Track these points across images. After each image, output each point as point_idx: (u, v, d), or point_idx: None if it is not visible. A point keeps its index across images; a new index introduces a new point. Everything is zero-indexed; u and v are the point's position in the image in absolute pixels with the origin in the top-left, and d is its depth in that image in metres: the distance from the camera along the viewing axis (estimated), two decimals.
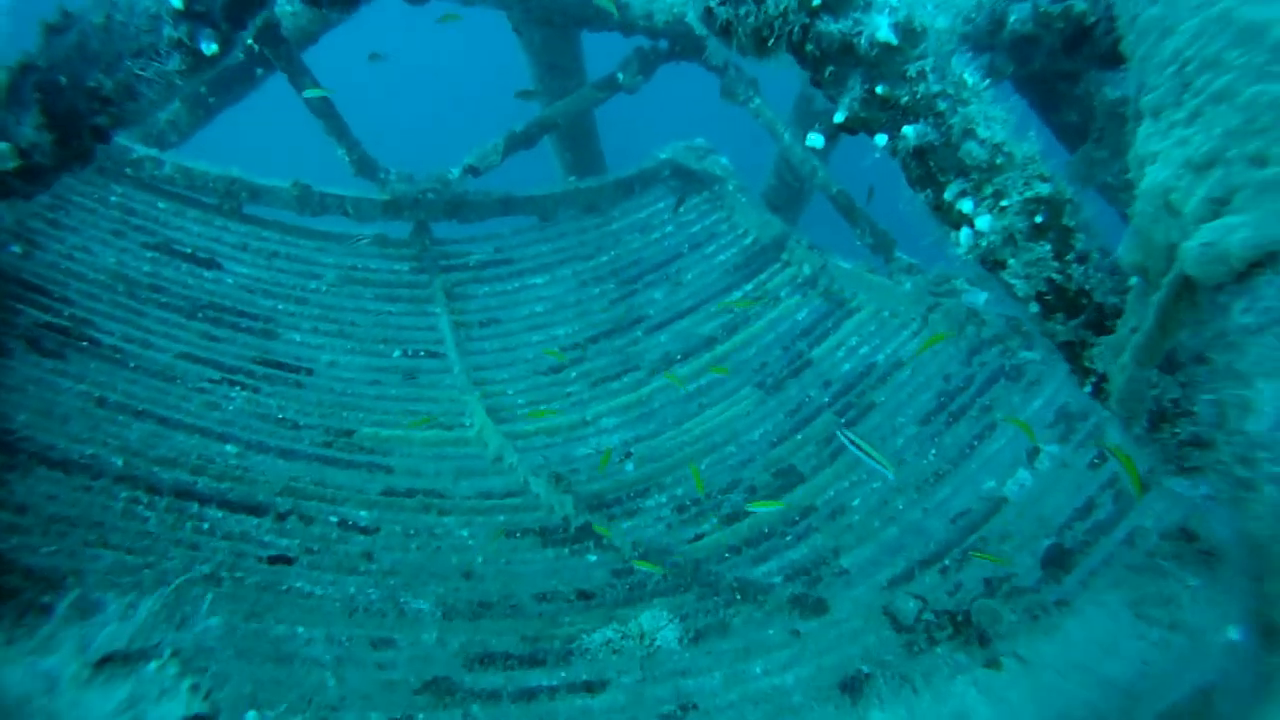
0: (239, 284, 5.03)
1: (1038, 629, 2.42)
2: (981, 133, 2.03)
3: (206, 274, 4.98)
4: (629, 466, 4.88)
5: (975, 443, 4.76)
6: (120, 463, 3.58)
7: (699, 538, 4.48)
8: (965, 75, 2.06)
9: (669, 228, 6.08)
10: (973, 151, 2.02)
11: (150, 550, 3.09)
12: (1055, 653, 2.23)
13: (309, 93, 4.93)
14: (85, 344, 4.24)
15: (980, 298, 5.68)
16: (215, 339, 4.67)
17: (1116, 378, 1.81)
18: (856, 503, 4.63)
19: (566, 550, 4.29)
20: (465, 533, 4.18)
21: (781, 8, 1.98)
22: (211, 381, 4.41)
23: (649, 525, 4.55)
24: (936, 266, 5.85)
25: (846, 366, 5.50)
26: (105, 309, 4.49)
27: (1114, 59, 3.96)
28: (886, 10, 1.98)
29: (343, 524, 3.90)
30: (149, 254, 4.89)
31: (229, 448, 4.07)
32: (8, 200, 2.45)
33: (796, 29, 2.02)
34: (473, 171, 5.62)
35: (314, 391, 4.69)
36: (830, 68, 2.05)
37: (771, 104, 6.06)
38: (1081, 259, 2.05)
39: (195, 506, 3.53)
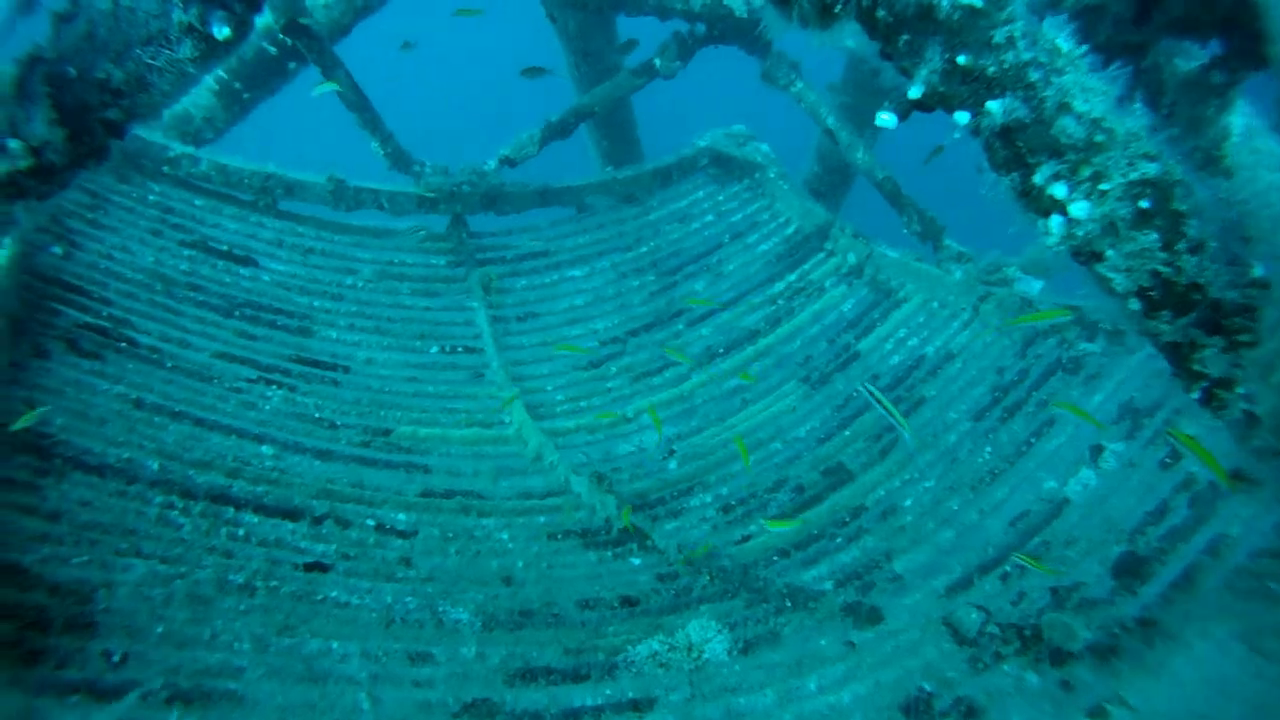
0: (275, 281, 4.89)
1: (1142, 668, 2.15)
2: (1079, 107, 1.74)
3: (243, 271, 4.84)
4: (671, 465, 4.66)
5: (1033, 439, 4.44)
6: (156, 466, 3.45)
7: (745, 539, 4.24)
8: (1059, 41, 1.78)
9: (709, 217, 5.81)
10: (1068, 128, 1.74)
11: (183, 559, 2.94)
12: (1166, 697, 1.95)
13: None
14: (123, 344, 4.11)
15: (1034, 287, 5.33)
16: (252, 337, 4.53)
17: (1267, 399, 1.53)
18: (908, 503, 4.35)
19: (609, 553, 4.08)
20: (505, 535, 4.00)
21: None
22: (248, 381, 4.27)
23: (693, 526, 4.32)
24: (988, 254, 5.51)
25: (895, 359, 5.20)
26: (143, 308, 4.36)
27: (1189, 27, 3.58)
28: None
29: (380, 527, 3.73)
30: (187, 252, 4.76)
31: (265, 449, 3.92)
32: (23, 201, 2.28)
33: None
34: (509, 163, 5.41)
35: (351, 389, 4.53)
36: (905, 36, 1.78)
37: (813, 87, 5.74)
38: (1195, 249, 1.76)
39: (230, 511, 3.38)
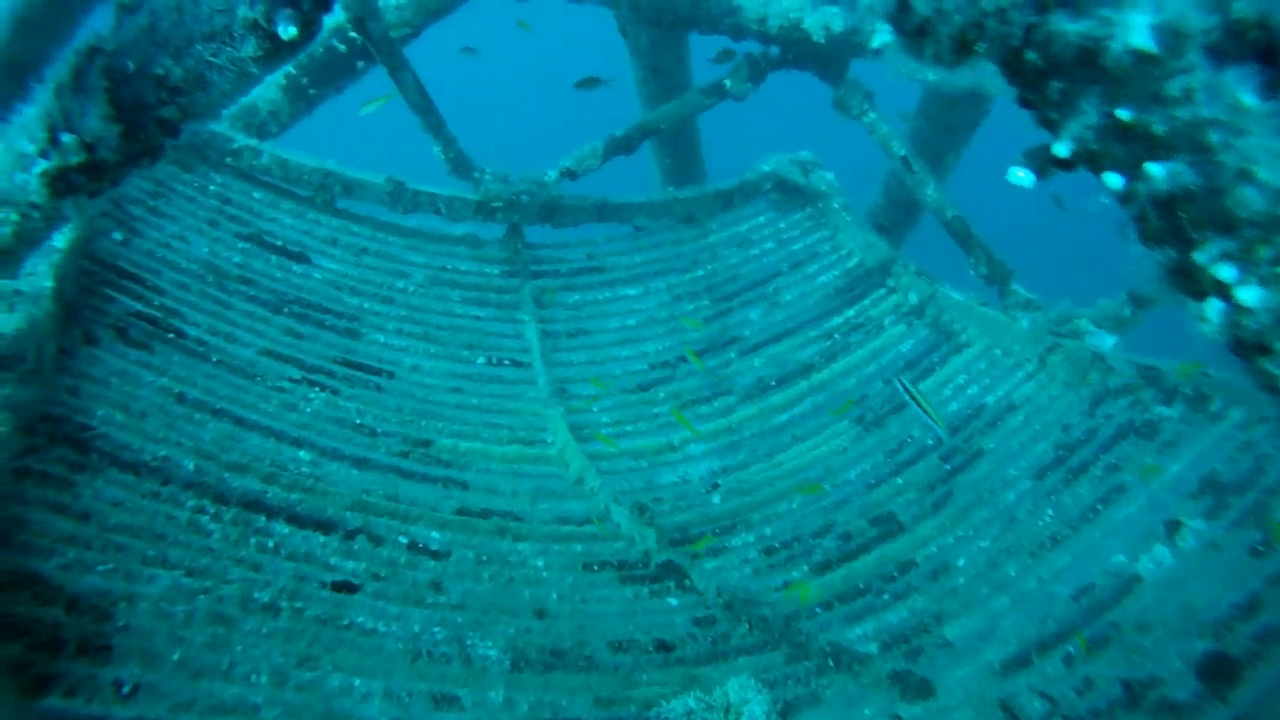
0: (327, 280, 4.72)
1: None
2: (1263, 175, 1.45)
3: (295, 268, 4.68)
4: (715, 499, 4.39)
5: (1099, 506, 4.09)
6: (191, 466, 3.28)
7: (787, 586, 3.96)
8: (1243, 96, 1.49)
9: (769, 244, 5.54)
10: (1248, 200, 1.45)
11: (209, 572, 2.75)
12: None
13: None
14: (171, 335, 3.97)
15: (1107, 341, 4.98)
16: (299, 336, 4.36)
17: None
18: (961, 562, 4.03)
19: (646, 590, 3.83)
20: (540, 563, 3.76)
21: (1003, 1, 1.45)
22: (292, 381, 4.10)
23: (734, 567, 4.05)
24: (1058, 303, 5.17)
25: (954, 406, 4.87)
26: (194, 299, 4.22)
27: None
28: (1147, 6, 1.43)
29: (413, 546, 3.52)
30: (241, 245, 4.62)
31: (303, 454, 3.74)
32: (73, 197, 2.11)
33: (1017, 30, 1.48)
34: (569, 175, 5.20)
35: (394, 396, 4.34)
36: (1056, 83, 1.51)
37: (886, 118, 5.45)
38: None
39: (262, 520, 3.19)
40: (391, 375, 4.42)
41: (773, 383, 4.93)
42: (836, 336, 5.21)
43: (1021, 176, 1.63)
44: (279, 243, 4.73)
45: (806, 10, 4.74)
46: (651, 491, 4.38)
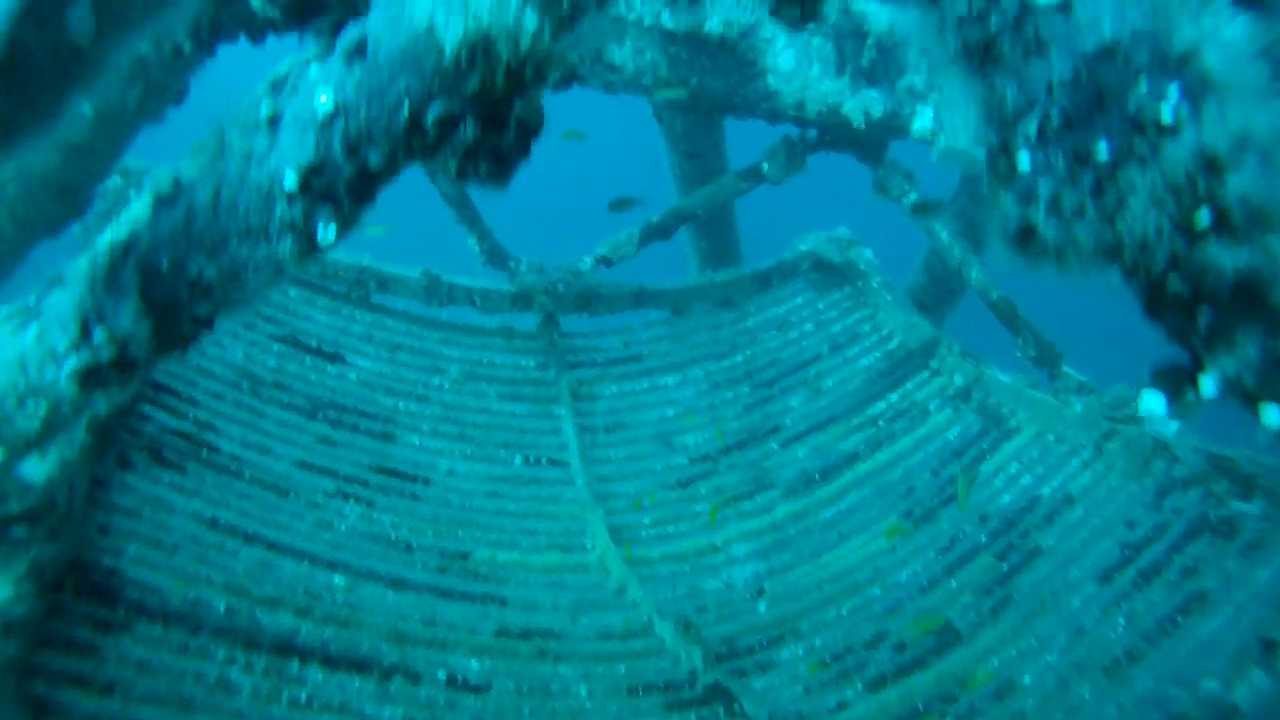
0: (361, 380, 4.55)
1: None
2: None
3: (330, 369, 4.52)
4: (761, 606, 4.13)
5: (1178, 617, 3.77)
6: (222, 608, 3.08)
7: (841, 707, 3.69)
8: None
9: (808, 326, 5.30)
10: None
11: None
12: None
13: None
14: (205, 452, 3.81)
15: (1170, 428, 4.66)
16: (333, 444, 4.18)
17: None
18: (1028, 680, 3.72)
19: (693, 715, 3.57)
20: (583, 690, 3.52)
21: (1148, 226, 1.23)
22: (325, 494, 3.91)
23: (784, 685, 3.78)
24: (1113, 387, 4.87)
25: (1006, 499, 4.57)
26: (228, 410, 4.06)
27: None
28: None
29: (451, 681, 3.29)
30: (276, 347, 4.47)
31: (338, 579, 3.54)
32: (105, 391, 1.95)
33: (1160, 260, 1.26)
34: (605, 262, 5.02)
35: (430, 504, 4.14)
36: (1206, 316, 1.28)
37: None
38: None
39: (295, 667, 2.98)
40: (427, 482, 4.22)
41: (816, 475, 4.67)
42: (880, 423, 4.94)
43: (1152, 406, 1.39)
44: (314, 343, 4.58)
45: (845, 95, 4.55)
46: (695, 599, 4.12)
